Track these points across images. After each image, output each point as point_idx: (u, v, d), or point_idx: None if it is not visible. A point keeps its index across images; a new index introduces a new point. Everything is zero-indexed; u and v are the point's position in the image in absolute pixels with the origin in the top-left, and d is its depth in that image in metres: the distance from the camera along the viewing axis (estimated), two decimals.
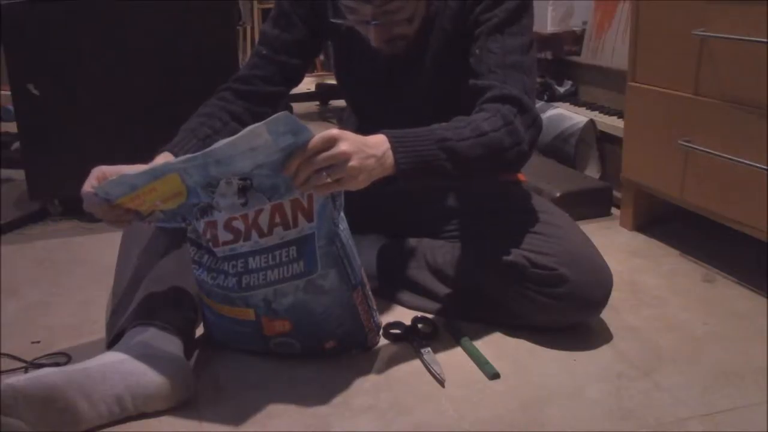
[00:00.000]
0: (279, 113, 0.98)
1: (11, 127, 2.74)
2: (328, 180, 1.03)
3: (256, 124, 0.99)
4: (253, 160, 1.03)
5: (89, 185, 1.11)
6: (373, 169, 1.06)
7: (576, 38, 2.50)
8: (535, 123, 1.23)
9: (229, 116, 1.36)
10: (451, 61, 1.33)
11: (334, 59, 1.49)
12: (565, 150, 2.22)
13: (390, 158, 1.09)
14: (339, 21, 1.28)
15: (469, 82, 1.27)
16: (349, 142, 1.03)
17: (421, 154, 1.11)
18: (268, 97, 1.41)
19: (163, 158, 1.24)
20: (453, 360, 1.25)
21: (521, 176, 1.51)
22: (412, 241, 1.48)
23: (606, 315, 1.34)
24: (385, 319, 1.35)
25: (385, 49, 1.30)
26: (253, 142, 1.00)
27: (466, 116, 1.20)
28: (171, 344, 1.15)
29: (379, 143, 1.09)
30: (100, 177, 1.11)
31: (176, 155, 1.24)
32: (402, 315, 1.39)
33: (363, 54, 1.36)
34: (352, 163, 1.03)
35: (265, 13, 4.42)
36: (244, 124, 1.36)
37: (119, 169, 1.12)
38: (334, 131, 1.03)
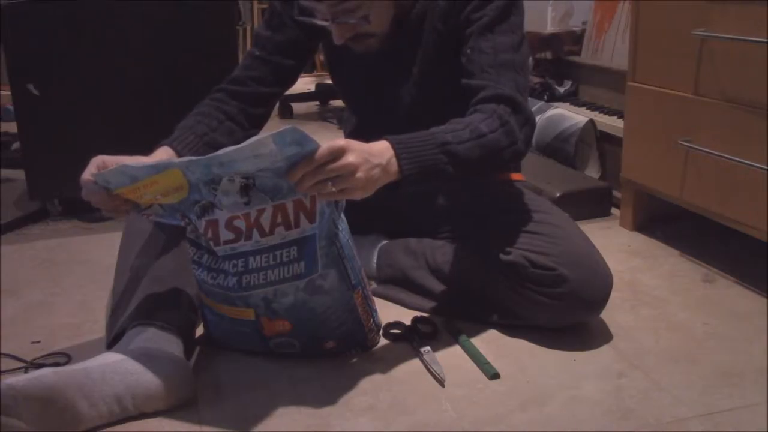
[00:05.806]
0: (287, 127, 0.98)
1: (11, 127, 2.73)
2: (333, 190, 1.03)
3: (263, 135, 0.99)
4: (257, 165, 1.03)
5: (89, 173, 1.11)
6: (378, 178, 1.07)
7: (576, 38, 2.50)
8: (529, 121, 1.24)
9: (224, 116, 1.36)
10: (443, 60, 1.33)
11: (327, 60, 1.49)
12: (565, 150, 2.22)
13: (394, 165, 1.09)
14: (304, 19, 1.28)
15: (461, 82, 1.27)
16: (356, 153, 1.03)
17: (424, 160, 1.12)
18: (262, 97, 1.40)
19: (163, 152, 1.24)
20: (453, 360, 1.25)
21: (520, 176, 1.51)
22: (412, 241, 1.48)
23: (606, 315, 1.34)
24: (385, 319, 1.35)
25: (354, 47, 1.30)
26: (258, 150, 1.00)
27: (461, 117, 1.20)
28: (171, 344, 1.15)
29: (383, 151, 1.09)
30: (100, 165, 1.11)
31: (175, 149, 1.25)
32: (402, 315, 1.39)
33: (355, 54, 1.36)
34: (359, 174, 1.03)
35: (265, 12, 4.41)
36: (239, 124, 1.37)
37: (119, 159, 1.12)
38: (342, 142, 1.03)
